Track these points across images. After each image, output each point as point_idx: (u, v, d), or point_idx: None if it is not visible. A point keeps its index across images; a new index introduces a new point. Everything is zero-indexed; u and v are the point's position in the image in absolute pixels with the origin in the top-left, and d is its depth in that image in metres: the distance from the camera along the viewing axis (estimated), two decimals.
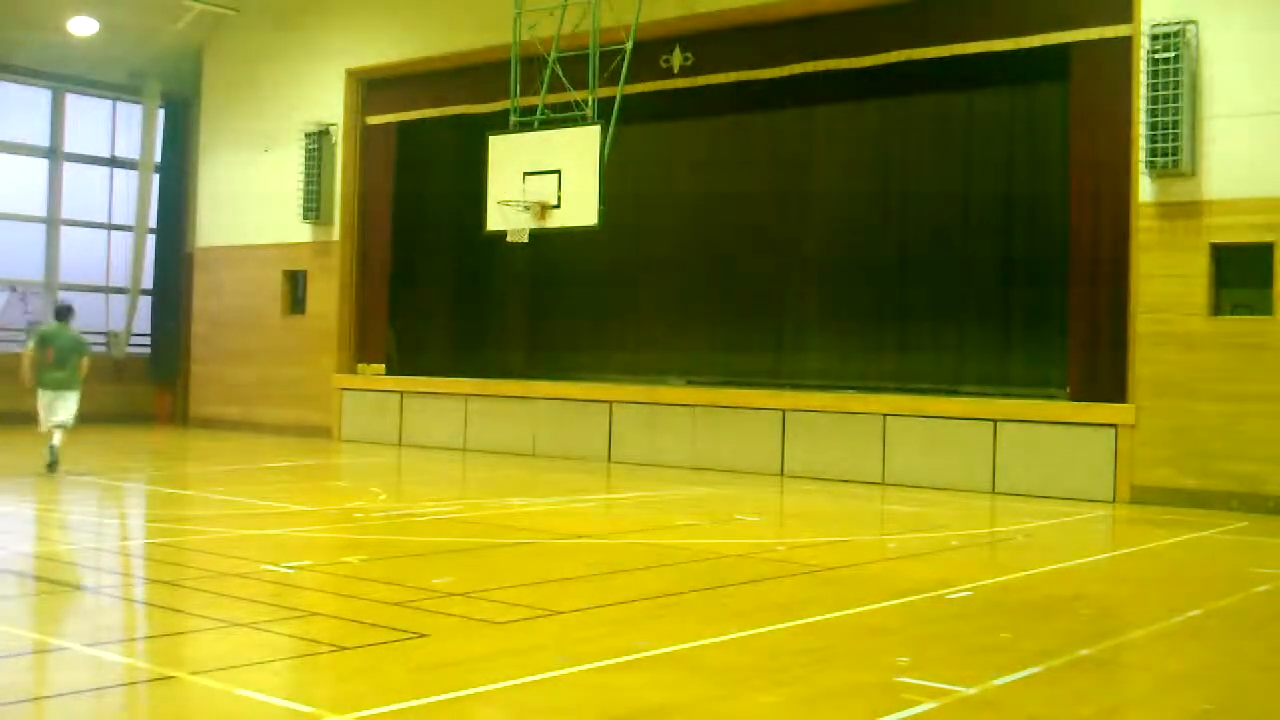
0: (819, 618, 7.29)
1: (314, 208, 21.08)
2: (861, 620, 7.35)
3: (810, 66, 16.56)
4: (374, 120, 21.06)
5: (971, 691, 5.65)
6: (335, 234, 21.08)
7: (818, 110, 19.00)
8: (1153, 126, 13.47)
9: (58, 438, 13.93)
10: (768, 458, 16.23)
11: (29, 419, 14.36)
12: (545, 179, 15.29)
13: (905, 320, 18.18)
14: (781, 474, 16.04)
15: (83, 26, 21.62)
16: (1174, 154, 13.34)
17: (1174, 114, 13.35)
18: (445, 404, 19.51)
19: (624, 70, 15.08)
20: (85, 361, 14.32)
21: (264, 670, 5.95)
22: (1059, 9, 14.85)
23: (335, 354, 21.00)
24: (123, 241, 23.78)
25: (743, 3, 16.70)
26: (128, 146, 23.92)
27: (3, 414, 20.94)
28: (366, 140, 21.16)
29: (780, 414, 16.28)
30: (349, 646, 6.34)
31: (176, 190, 24.06)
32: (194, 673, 5.75)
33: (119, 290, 23.76)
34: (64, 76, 22.96)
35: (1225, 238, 13.40)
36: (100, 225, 23.87)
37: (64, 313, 14.65)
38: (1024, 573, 9.26)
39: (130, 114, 23.89)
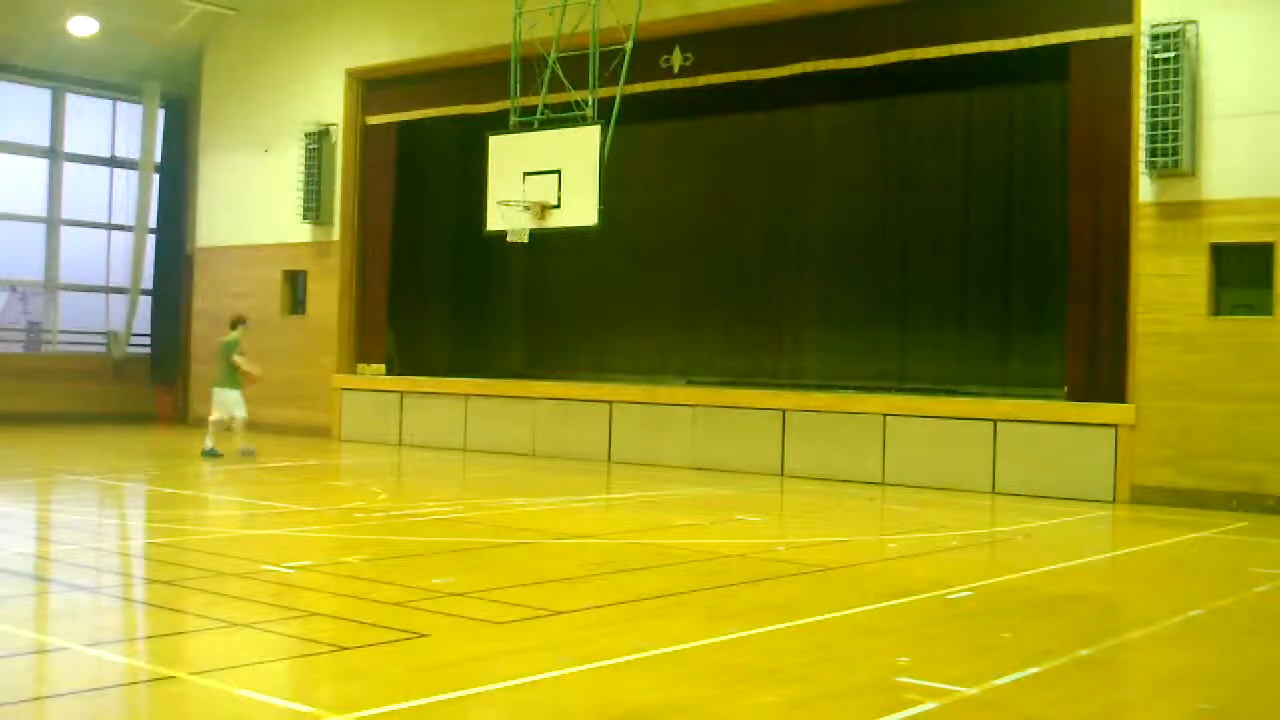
0: (819, 618, 7.28)
1: (314, 208, 21.08)
2: (861, 620, 7.35)
3: (810, 66, 16.55)
4: (374, 120, 21.06)
5: (971, 691, 5.65)
6: (335, 234, 21.08)
7: (818, 110, 19.01)
8: (1153, 126, 13.46)
9: (209, 439, 16.26)
10: (768, 458, 16.23)
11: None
12: (545, 179, 15.30)
13: (905, 320, 18.18)
14: (781, 474, 16.03)
15: (83, 26, 21.61)
16: (1174, 154, 13.33)
17: (1174, 114, 13.35)
18: (445, 404, 19.51)
19: (624, 70, 15.08)
20: (235, 359, 16.45)
21: (264, 670, 5.95)
22: (1059, 9, 14.84)
23: (335, 354, 21.00)
24: (123, 241, 23.78)
25: (742, 3, 16.70)
26: (128, 146, 23.92)
27: (3, 414, 21.03)
28: (366, 140, 21.16)
29: (780, 414, 16.28)
30: (349, 646, 6.34)
31: (176, 190, 24.06)
32: (194, 673, 5.75)
33: (119, 290, 23.75)
34: (64, 76, 22.96)
35: (1225, 238, 13.40)
36: (100, 225, 23.86)
37: (234, 322, 17.08)
38: (1024, 573, 9.25)
39: (130, 114, 23.90)
